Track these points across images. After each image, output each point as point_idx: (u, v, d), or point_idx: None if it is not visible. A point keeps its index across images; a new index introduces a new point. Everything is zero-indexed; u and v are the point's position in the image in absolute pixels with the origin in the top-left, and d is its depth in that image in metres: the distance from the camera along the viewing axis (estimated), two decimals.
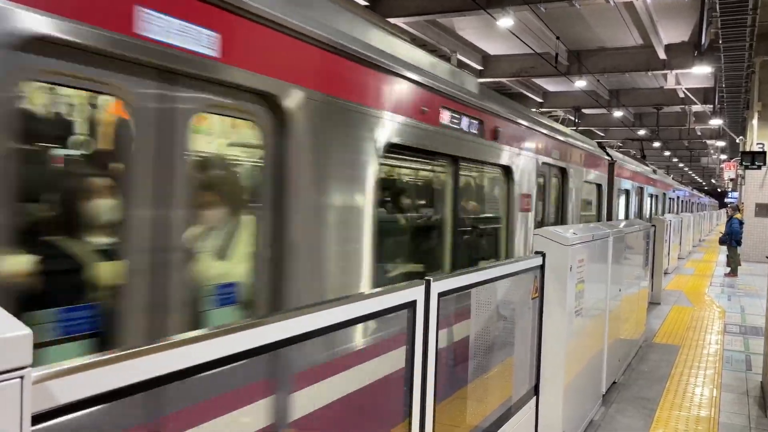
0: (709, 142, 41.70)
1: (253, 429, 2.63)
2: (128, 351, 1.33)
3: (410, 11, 16.15)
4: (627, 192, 13.82)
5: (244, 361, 1.81)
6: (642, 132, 35.50)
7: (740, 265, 16.84)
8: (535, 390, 4.55)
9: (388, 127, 4.06)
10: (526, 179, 6.78)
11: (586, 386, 5.33)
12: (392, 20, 15.89)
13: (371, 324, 3.34)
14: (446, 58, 20.80)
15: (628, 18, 17.60)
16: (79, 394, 1.19)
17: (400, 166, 5.57)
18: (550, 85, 27.81)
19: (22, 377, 1.04)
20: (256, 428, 2.61)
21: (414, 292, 2.64)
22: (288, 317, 2.00)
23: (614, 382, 6.46)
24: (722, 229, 21.12)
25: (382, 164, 3.99)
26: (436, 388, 2.76)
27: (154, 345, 1.40)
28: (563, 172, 8.47)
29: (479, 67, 22.51)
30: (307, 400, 2.93)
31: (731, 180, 32.36)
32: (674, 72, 22.26)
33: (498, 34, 19.06)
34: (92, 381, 1.22)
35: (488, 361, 4.53)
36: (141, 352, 1.35)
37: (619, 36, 19.96)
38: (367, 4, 14.82)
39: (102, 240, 2.69)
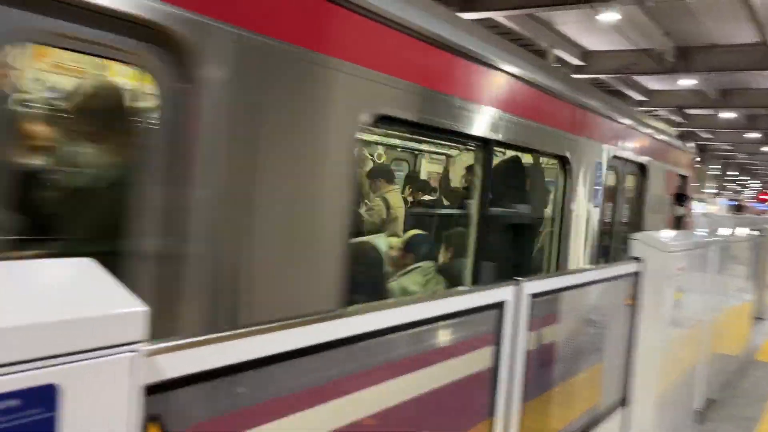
0: None
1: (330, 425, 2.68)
2: (235, 332, 1.39)
3: (511, 4, 15.78)
4: None
5: (330, 350, 1.85)
6: (754, 135, 33.30)
7: None
8: (624, 400, 4.39)
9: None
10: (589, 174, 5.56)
11: (679, 400, 5.08)
12: (490, 14, 15.71)
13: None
14: (542, 53, 20.16)
15: (743, 13, 16.50)
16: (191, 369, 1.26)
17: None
18: (653, 82, 26.57)
19: (135, 351, 1.10)
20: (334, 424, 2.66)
21: (504, 292, 2.61)
22: (375, 310, 2.04)
23: (710, 399, 6.12)
24: None
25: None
26: (524, 390, 2.72)
27: (258, 327, 1.47)
28: (642, 170, 7.00)
29: (580, 63, 21.80)
30: (388, 395, 2.94)
31: None
32: None
33: (599, 29, 18.37)
34: (201, 358, 1.29)
35: (575, 366, 4.40)
36: (247, 333, 1.42)
37: (732, 32, 18.75)
38: None
39: None
